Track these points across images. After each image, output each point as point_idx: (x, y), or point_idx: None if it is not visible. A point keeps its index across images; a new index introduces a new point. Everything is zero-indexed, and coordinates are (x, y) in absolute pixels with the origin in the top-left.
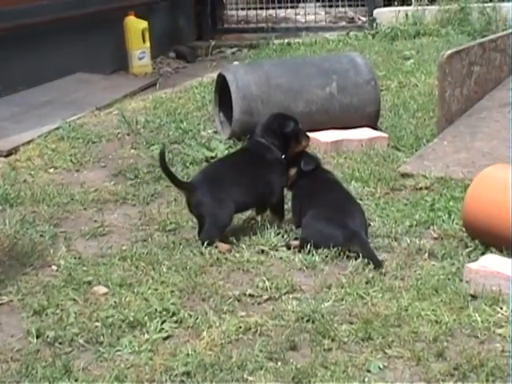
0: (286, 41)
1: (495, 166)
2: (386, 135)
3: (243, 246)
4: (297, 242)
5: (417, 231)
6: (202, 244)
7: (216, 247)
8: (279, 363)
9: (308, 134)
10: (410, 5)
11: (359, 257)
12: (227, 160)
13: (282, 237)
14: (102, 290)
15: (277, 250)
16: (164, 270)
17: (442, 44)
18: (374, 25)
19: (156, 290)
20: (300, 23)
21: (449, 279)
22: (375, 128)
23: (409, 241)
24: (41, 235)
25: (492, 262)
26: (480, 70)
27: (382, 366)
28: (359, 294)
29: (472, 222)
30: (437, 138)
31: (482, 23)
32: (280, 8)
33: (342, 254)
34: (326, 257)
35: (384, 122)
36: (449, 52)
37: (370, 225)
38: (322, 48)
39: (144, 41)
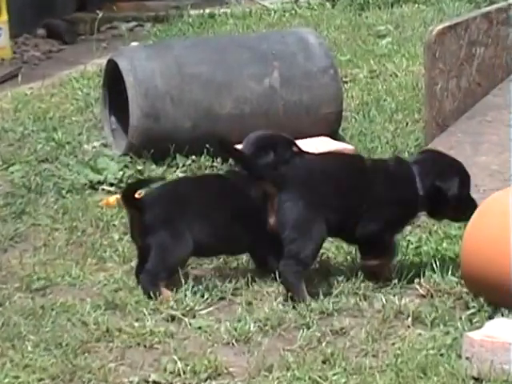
0: (208, 11)
1: (507, 190)
2: (351, 147)
3: (144, 310)
4: None
5: (396, 286)
6: None
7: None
8: None
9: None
10: None
11: (313, 325)
12: None
13: (202, 296)
14: None
15: (194, 317)
16: (29, 348)
17: (431, 15)
18: None
19: (17, 377)
20: None
21: (442, 355)
22: (335, 137)
23: (384, 300)
24: None
25: (502, 330)
26: (485, 53)
27: None
28: (313, 379)
29: (474, 271)
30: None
31: None
32: None
33: (288, 320)
34: (266, 325)
35: (349, 127)
36: (440, 27)
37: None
38: (260, 22)
39: None
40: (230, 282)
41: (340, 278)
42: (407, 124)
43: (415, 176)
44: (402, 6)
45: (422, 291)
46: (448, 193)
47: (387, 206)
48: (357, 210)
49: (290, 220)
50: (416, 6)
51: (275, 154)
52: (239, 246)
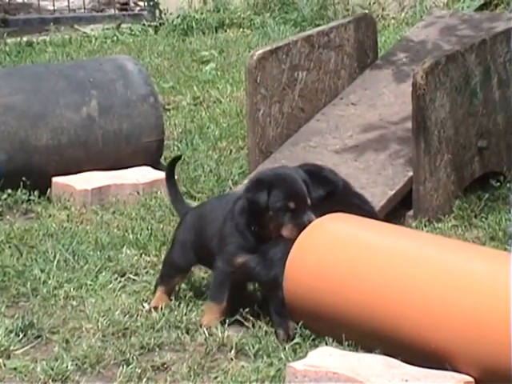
0: (26, 39)
1: (328, 216)
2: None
3: None
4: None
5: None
6: None
7: None
8: None
9: (58, 178)
10: None
11: (134, 361)
12: None
13: (17, 335)
14: None
15: (9, 357)
16: None
17: (256, 39)
18: (157, 12)
19: None
20: (47, 12)
21: None
22: (157, 167)
23: (207, 333)
24: None
25: (326, 359)
26: (307, 77)
27: None
28: None
29: (294, 299)
30: (248, 178)
31: (313, 7)
32: None
33: (107, 356)
34: (84, 363)
35: (171, 156)
36: (260, 51)
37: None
38: (81, 49)
39: None
40: (47, 319)
41: (162, 312)
42: (231, 151)
43: None
44: (226, 31)
45: (245, 323)
46: None
47: None
48: None
49: None
50: (241, 30)
51: None
52: None
